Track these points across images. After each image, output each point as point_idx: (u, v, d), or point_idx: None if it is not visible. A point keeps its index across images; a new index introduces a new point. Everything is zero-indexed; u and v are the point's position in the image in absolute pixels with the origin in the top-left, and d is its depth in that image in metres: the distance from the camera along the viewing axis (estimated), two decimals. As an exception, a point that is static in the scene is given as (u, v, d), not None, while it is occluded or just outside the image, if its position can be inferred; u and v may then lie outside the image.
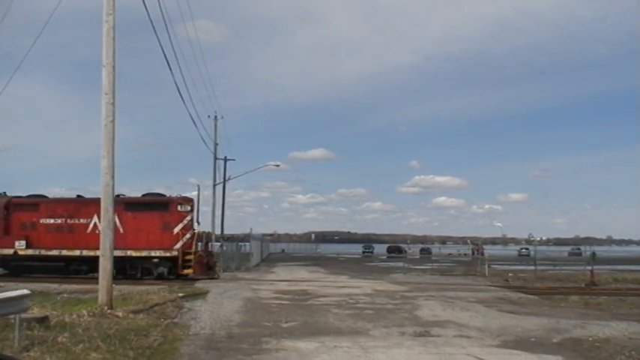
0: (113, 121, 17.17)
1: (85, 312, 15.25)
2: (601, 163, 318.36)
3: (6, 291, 11.61)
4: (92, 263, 31.08)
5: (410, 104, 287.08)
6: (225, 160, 55.55)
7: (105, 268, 17.15)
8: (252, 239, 47.50)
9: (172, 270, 31.12)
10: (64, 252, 31.37)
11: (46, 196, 34.97)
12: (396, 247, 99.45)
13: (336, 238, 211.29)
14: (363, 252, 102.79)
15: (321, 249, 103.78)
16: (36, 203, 33.30)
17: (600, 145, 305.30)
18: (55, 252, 31.72)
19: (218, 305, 18.84)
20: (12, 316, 11.25)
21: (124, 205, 32.13)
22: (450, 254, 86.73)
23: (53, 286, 24.98)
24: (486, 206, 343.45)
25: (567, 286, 32.49)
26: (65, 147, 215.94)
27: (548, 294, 26.25)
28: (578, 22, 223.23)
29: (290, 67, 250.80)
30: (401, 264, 56.25)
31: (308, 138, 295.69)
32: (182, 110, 53.93)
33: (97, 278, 29.57)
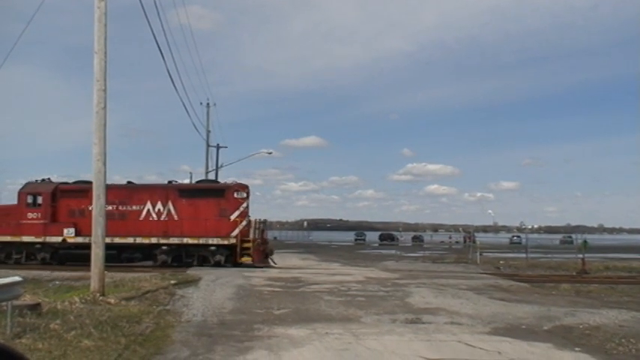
0: (105, 107, 17.11)
1: (77, 299, 15.25)
2: (593, 152, 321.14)
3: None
4: (146, 251, 31.18)
5: (403, 92, 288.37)
6: (218, 147, 55.53)
7: (97, 254, 17.15)
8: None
9: (229, 258, 30.88)
10: (117, 240, 30.46)
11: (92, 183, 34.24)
12: (388, 235, 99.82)
13: (328, 225, 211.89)
14: (355, 239, 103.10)
15: (313, 236, 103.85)
16: (85, 189, 31.44)
17: (592, 134, 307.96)
18: (107, 240, 31.01)
19: (210, 292, 18.84)
20: (4, 303, 11.23)
21: (179, 191, 32.06)
22: (442, 242, 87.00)
23: (45, 273, 24.96)
24: (478, 194, 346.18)
25: (558, 274, 32.69)
26: (56, 134, 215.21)
27: (540, 282, 26.36)
28: (572, 10, 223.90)
29: (283, 54, 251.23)
30: (393, 251, 56.29)
31: (300, 125, 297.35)
32: (174, 97, 53.61)
33: (150, 266, 29.57)
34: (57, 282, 22.08)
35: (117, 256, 30.58)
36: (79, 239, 30.87)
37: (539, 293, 20.87)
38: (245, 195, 32.16)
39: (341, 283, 22.29)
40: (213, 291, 19.22)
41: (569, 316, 14.89)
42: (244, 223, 31.26)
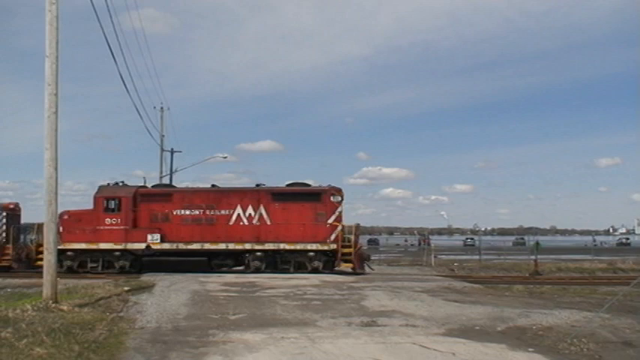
0: (56, 112, 16.84)
1: (29, 306, 14.99)
2: (545, 155, 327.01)
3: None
4: (238, 256, 30.48)
5: (359, 96, 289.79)
6: (172, 152, 55.11)
7: (49, 261, 16.84)
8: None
9: (327, 264, 30.21)
10: (207, 246, 29.96)
11: (174, 186, 33.34)
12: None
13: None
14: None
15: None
16: (168, 193, 31.48)
17: (545, 137, 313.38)
18: (196, 246, 30.24)
19: (164, 298, 18.67)
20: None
21: (272, 195, 31.05)
22: (397, 245, 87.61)
23: (-5, 281, 24.49)
24: (432, 197, 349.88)
25: (511, 275, 33.18)
26: (6, 139, 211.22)
27: (493, 283, 26.68)
28: (526, 15, 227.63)
29: (239, 57, 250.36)
30: (349, 255, 56.42)
31: (256, 129, 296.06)
32: (128, 101, 53.10)
33: (242, 271, 29.42)
34: (9, 289, 21.72)
35: (207, 263, 30.14)
36: (166, 245, 30.13)
37: (492, 294, 21.12)
38: (340, 199, 31.25)
39: (297, 287, 22.28)
40: (167, 297, 19.05)
41: (522, 317, 15.10)
42: (339, 228, 30.50)
